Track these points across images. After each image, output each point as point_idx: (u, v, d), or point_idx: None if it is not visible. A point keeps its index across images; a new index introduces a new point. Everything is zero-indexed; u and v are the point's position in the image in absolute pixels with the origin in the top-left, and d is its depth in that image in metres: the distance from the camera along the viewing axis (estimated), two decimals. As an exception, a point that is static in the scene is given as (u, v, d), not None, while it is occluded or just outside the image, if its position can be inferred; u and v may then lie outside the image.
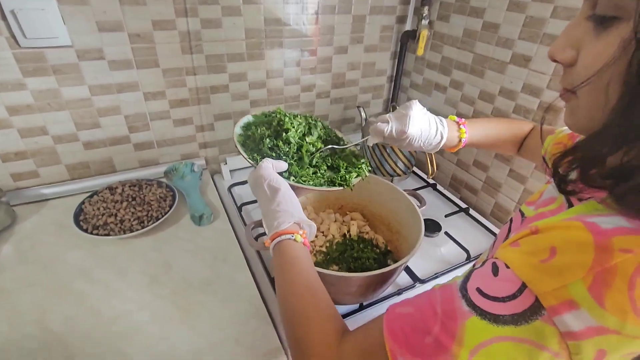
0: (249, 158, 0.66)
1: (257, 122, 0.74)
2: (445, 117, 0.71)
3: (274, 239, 0.55)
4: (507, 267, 0.35)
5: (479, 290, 0.35)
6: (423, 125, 0.66)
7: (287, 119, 0.71)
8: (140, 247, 0.86)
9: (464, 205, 1.12)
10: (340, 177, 0.71)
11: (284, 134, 0.69)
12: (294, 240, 0.54)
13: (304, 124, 0.74)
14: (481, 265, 0.38)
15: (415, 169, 1.29)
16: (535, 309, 0.32)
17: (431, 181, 1.22)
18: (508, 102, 0.98)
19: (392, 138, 0.67)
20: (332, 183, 0.68)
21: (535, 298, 0.32)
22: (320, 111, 1.29)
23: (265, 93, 1.15)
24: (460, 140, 0.69)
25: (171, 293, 0.76)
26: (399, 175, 1.16)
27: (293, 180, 0.65)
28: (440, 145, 0.68)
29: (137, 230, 0.86)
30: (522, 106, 0.94)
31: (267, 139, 0.68)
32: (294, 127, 0.71)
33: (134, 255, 0.84)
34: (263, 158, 0.65)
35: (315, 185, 0.67)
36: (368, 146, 1.12)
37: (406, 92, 1.37)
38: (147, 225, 0.87)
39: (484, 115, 1.06)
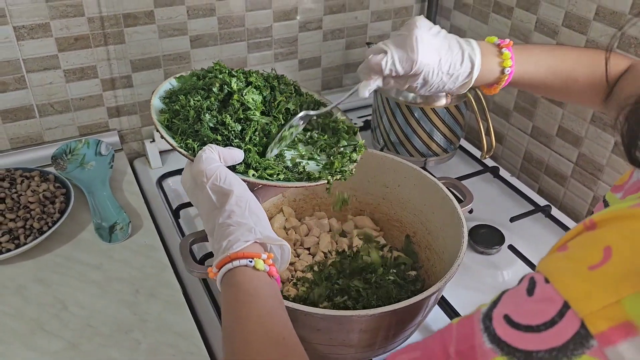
0: (180, 146, 0.67)
1: (187, 89, 0.75)
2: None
3: (221, 266, 0.57)
4: (547, 281, 0.37)
5: (507, 319, 0.38)
6: (440, 47, 0.67)
7: (234, 80, 0.73)
8: (14, 278, 0.88)
9: (543, 202, 1.14)
10: (325, 165, 0.73)
11: (236, 103, 0.70)
12: (254, 267, 0.56)
13: (261, 86, 0.75)
14: (517, 284, 0.40)
15: (465, 143, 1.32)
16: (581, 339, 0.34)
17: (491, 163, 1.24)
18: (609, 29, 1.00)
19: (398, 78, 0.69)
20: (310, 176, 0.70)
21: (580, 323, 0.34)
22: (308, 52, 1.31)
23: (215, 24, 1.17)
24: (502, 72, 0.71)
25: (67, 347, 0.78)
26: (435, 154, 1.18)
27: (254, 175, 0.67)
28: (472, 80, 0.69)
29: (9, 250, 0.88)
30: (631, 36, 0.96)
31: (207, 114, 0.69)
32: (249, 92, 0.72)
33: (3, 290, 0.86)
34: (203, 145, 0.66)
35: (289, 181, 0.69)
36: (391, 115, 1.14)
37: (448, 17, 1.39)
38: (26, 243, 0.90)
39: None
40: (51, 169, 1.06)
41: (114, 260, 0.93)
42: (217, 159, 0.63)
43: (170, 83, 0.78)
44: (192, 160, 0.64)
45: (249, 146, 0.69)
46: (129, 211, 1.02)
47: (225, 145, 0.67)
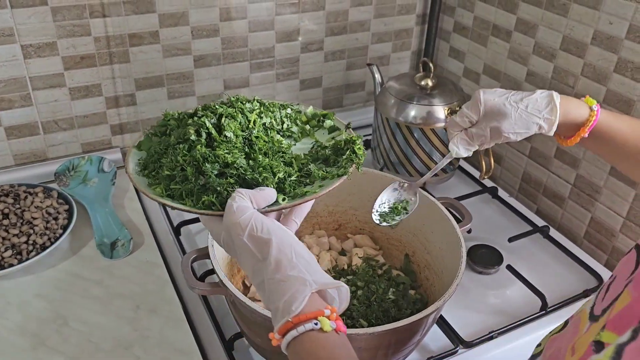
0: (199, 207, 0.61)
1: (158, 151, 0.68)
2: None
3: (285, 333, 0.52)
4: None
5: None
6: (506, 92, 0.75)
7: (206, 120, 0.66)
8: (17, 293, 0.89)
9: (541, 223, 1.15)
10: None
11: (226, 127, 0.66)
12: (321, 329, 0.51)
13: (232, 113, 0.70)
14: (631, 338, 0.36)
15: (464, 163, 1.33)
16: None
17: (490, 184, 1.25)
18: (607, 54, 1.02)
19: (478, 125, 0.77)
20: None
21: None
22: (309, 72, 1.33)
23: (218, 44, 1.19)
24: (591, 109, 0.74)
25: (65, 365, 0.79)
26: (435, 175, 1.19)
27: (284, 199, 0.62)
28: (557, 110, 0.72)
29: (12, 265, 0.89)
30: (628, 61, 0.98)
31: (207, 164, 0.63)
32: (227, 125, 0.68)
33: (5, 305, 0.87)
34: (220, 195, 0.61)
35: (319, 188, 0.64)
36: (391, 136, 1.15)
37: (448, 39, 1.41)
38: (28, 258, 0.91)
39: (570, 76, 1.09)
40: (54, 185, 1.07)
41: (115, 276, 0.94)
42: (250, 205, 0.58)
43: (135, 153, 0.72)
44: (221, 215, 0.59)
45: (265, 174, 0.64)
46: (131, 228, 1.03)
47: (240, 185, 0.62)
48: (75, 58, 1.08)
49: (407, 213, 0.82)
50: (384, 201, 0.84)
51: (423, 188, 1.02)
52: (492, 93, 0.75)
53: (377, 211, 0.83)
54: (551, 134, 0.74)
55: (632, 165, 0.76)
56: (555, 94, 0.73)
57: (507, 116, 0.73)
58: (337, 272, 0.91)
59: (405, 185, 0.85)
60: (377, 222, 0.82)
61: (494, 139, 0.76)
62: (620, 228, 1.07)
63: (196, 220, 1.08)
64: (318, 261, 0.93)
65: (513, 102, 0.73)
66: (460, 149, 0.78)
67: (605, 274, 1.03)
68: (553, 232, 1.13)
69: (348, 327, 0.80)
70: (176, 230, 1.06)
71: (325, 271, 0.91)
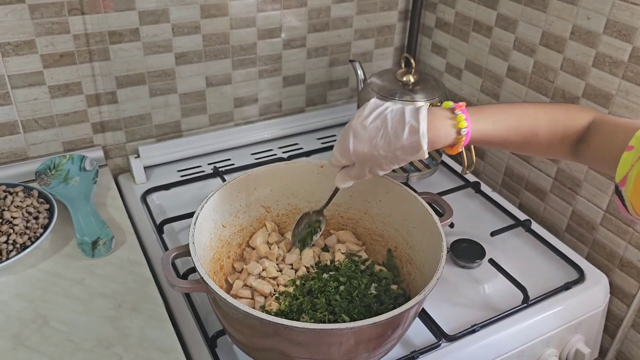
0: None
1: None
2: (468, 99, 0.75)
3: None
4: None
5: None
6: (376, 131, 0.72)
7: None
8: (-3, 294, 0.89)
9: (523, 217, 1.16)
10: None
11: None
12: None
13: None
14: None
15: (446, 158, 1.33)
16: None
17: (472, 178, 1.26)
18: (585, 49, 1.03)
19: (353, 167, 0.77)
20: None
21: None
22: (292, 69, 1.33)
23: (199, 41, 1.18)
24: (459, 133, 0.71)
25: (46, 365, 0.78)
26: (418, 170, 1.19)
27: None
28: (422, 147, 0.70)
29: (-9, 266, 0.89)
30: (606, 56, 0.99)
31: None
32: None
33: (-15, 306, 0.86)
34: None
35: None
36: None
37: (430, 35, 1.42)
38: (8, 258, 0.90)
39: (550, 71, 1.10)
40: (35, 185, 1.06)
41: (96, 275, 0.93)
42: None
43: None
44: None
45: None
46: (113, 226, 1.02)
47: None
48: (55, 56, 1.06)
49: (320, 230, 0.92)
50: (302, 226, 0.93)
51: (405, 184, 1.02)
52: (362, 142, 0.72)
53: (297, 241, 0.93)
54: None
55: (522, 151, 0.79)
56: (418, 125, 0.70)
57: (379, 162, 0.73)
58: (319, 268, 0.91)
59: (312, 211, 0.92)
60: (299, 248, 0.93)
61: (373, 174, 0.77)
62: (601, 221, 1.08)
63: (179, 218, 1.08)
64: (299, 259, 0.93)
65: (382, 152, 0.72)
66: (343, 184, 0.80)
67: (586, 266, 1.04)
68: (535, 226, 1.14)
69: (330, 322, 0.80)
70: (159, 229, 1.06)
71: (308, 267, 0.91)
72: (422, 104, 0.74)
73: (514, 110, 0.76)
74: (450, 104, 0.74)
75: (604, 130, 0.71)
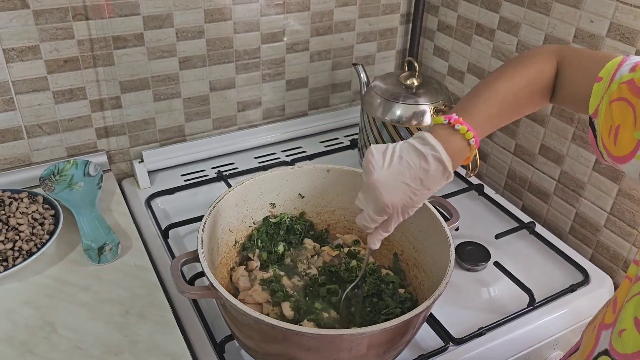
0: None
1: None
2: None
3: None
4: None
5: None
6: (401, 173, 0.67)
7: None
8: (3, 300, 0.88)
9: (527, 219, 1.16)
10: None
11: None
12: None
13: None
14: None
15: (449, 162, 1.33)
16: None
17: (476, 181, 1.26)
18: (589, 52, 1.03)
19: (384, 225, 0.72)
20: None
21: None
22: (295, 72, 1.33)
23: (203, 45, 1.18)
24: (469, 144, 0.70)
25: (54, 372, 0.78)
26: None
27: None
28: (451, 171, 0.69)
29: (-2, 272, 0.88)
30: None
31: None
32: None
33: (-8, 313, 0.86)
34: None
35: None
36: (378, 135, 1.16)
37: (432, 38, 1.42)
38: (14, 265, 0.89)
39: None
40: (39, 190, 1.06)
41: (103, 281, 0.93)
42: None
43: None
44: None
45: None
46: (118, 232, 1.02)
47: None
48: (59, 61, 1.06)
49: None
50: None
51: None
52: (395, 191, 0.68)
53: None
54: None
55: (513, 119, 0.77)
56: (438, 153, 0.67)
57: (414, 203, 0.69)
58: (328, 272, 0.91)
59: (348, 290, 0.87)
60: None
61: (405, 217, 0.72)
62: (605, 223, 1.08)
63: (184, 222, 1.08)
64: (308, 261, 0.93)
65: (417, 192, 0.68)
66: (379, 244, 0.75)
67: (591, 268, 1.04)
68: (539, 228, 1.14)
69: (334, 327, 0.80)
70: (164, 234, 1.06)
71: (316, 272, 0.91)
72: (422, 131, 0.71)
73: (496, 93, 0.73)
74: (443, 119, 0.71)
75: (571, 66, 0.71)
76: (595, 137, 0.63)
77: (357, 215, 0.73)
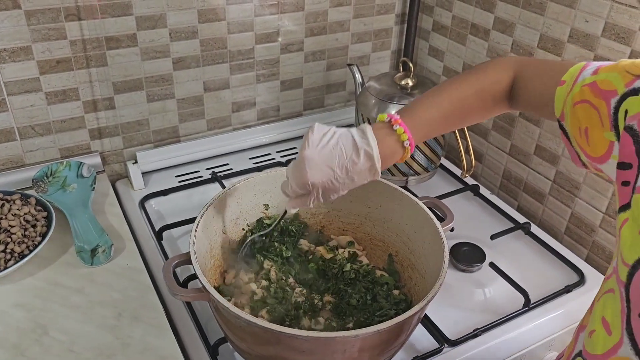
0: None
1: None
2: None
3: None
4: None
5: None
6: (331, 157, 0.71)
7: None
8: (-5, 303, 0.88)
9: (522, 220, 1.16)
10: None
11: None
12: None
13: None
14: None
15: (445, 161, 1.33)
16: None
17: (471, 181, 1.26)
18: (583, 52, 1.02)
19: (303, 198, 0.75)
20: None
21: None
22: (289, 73, 1.33)
23: (197, 46, 1.18)
24: (403, 146, 0.72)
25: (46, 375, 0.77)
26: (416, 173, 1.19)
27: None
28: (377, 170, 0.72)
29: (-11, 275, 0.88)
30: (604, 58, 0.99)
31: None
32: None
33: (-16, 315, 0.85)
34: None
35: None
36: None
37: (427, 38, 1.41)
38: (6, 267, 0.89)
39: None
40: (32, 192, 1.05)
41: (96, 283, 0.92)
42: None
43: None
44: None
45: None
46: (111, 233, 1.02)
47: None
48: (51, 62, 1.05)
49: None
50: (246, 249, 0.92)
51: (404, 187, 1.02)
52: (319, 172, 0.71)
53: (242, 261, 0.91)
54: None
55: (463, 126, 0.80)
56: (371, 150, 0.70)
57: (336, 188, 0.73)
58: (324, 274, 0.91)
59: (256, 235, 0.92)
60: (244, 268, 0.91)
61: (325, 200, 0.75)
62: (600, 223, 1.08)
63: (178, 224, 1.07)
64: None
65: (339, 179, 0.71)
66: (293, 210, 0.78)
67: (586, 269, 1.04)
68: (534, 229, 1.14)
69: (333, 329, 0.79)
70: (158, 235, 1.05)
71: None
72: (367, 124, 0.74)
73: (442, 98, 0.76)
74: (386, 116, 0.74)
75: (533, 72, 0.72)
76: (568, 139, 0.64)
77: (281, 185, 0.77)
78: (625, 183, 0.51)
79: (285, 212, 0.84)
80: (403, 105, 1.09)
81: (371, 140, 0.71)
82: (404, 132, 0.72)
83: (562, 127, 0.64)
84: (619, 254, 0.51)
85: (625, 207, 0.51)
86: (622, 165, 0.52)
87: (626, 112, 0.53)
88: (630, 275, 0.48)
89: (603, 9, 0.97)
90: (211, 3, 1.14)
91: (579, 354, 0.59)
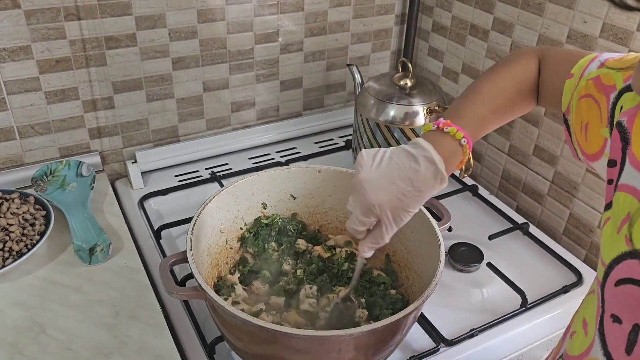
0: None
1: None
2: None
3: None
4: None
5: None
6: (390, 173, 0.66)
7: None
8: (-7, 301, 0.88)
9: (521, 220, 1.15)
10: None
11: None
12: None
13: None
14: None
15: (444, 162, 1.33)
16: None
17: (470, 182, 1.25)
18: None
19: (375, 232, 0.70)
20: None
21: None
22: (289, 73, 1.33)
23: (196, 46, 1.18)
24: (460, 144, 0.68)
25: (43, 373, 0.78)
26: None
27: None
28: (444, 173, 0.66)
29: (-12, 273, 0.88)
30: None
31: None
32: None
33: (-18, 313, 0.86)
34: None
35: None
36: (371, 136, 1.16)
37: (427, 38, 1.41)
38: (5, 265, 0.89)
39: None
40: (31, 191, 1.06)
41: (94, 282, 0.92)
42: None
43: None
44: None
45: None
46: (110, 232, 1.02)
47: None
48: (51, 61, 1.06)
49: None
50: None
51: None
52: (383, 189, 0.66)
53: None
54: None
55: (516, 114, 0.77)
56: (429, 154, 0.66)
57: (405, 205, 0.67)
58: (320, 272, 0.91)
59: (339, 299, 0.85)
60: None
61: (398, 225, 0.70)
62: (598, 224, 1.08)
63: (177, 223, 1.07)
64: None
65: (406, 193, 0.66)
66: (370, 252, 0.73)
67: (584, 269, 1.04)
68: (533, 229, 1.13)
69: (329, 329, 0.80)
70: (156, 234, 1.05)
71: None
72: (415, 138, 0.70)
73: (483, 93, 0.73)
74: (431, 126, 0.70)
75: (549, 66, 0.71)
76: (570, 134, 0.63)
77: (347, 225, 0.71)
78: (610, 181, 0.51)
79: (363, 260, 0.77)
80: (402, 105, 1.11)
81: (425, 145, 0.66)
82: (457, 130, 0.67)
83: (565, 122, 0.63)
84: (600, 255, 0.50)
85: (608, 206, 0.50)
86: (610, 163, 0.51)
87: (621, 108, 0.52)
88: (606, 275, 0.47)
89: (601, 10, 0.97)
90: (210, 3, 1.15)
91: (561, 356, 0.58)
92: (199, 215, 0.83)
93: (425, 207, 0.87)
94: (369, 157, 0.67)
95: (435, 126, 0.69)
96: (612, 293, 0.47)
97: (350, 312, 0.82)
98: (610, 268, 0.47)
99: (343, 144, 1.38)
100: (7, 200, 0.99)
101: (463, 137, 0.68)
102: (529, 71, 0.73)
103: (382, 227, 0.69)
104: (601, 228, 0.51)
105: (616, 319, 0.47)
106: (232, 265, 0.93)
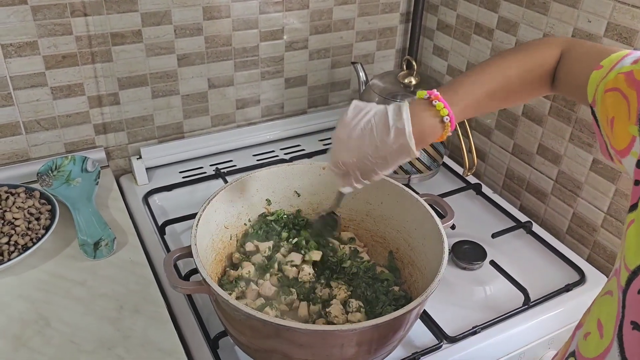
0: None
1: None
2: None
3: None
4: None
5: None
6: (362, 137, 0.69)
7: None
8: (-1, 294, 0.89)
9: (524, 219, 1.16)
10: None
11: None
12: None
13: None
14: None
15: (448, 160, 1.33)
16: None
17: (474, 180, 1.26)
18: (586, 52, 1.02)
19: (346, 177, 0.75)
20: None
21: None
22: (294, 70, 1.33)
23: (202, 43, 1.19)
24: (443, 122, 0.69)
25: (48, 366, 0.78)
26: (419, 171, 1.19)
27: None
28: (413, 150, 0.69)
29: (-6, 266, 0.88)
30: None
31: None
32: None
33: (-12, 306, 0.86)
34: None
35: None
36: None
37: (432, 37, 1.41)
38: (10, 259, 0.90)
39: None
40: (36, 186, 1.06)
41: (98, 276, 0.93)
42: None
43: None
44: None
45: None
46: (115, 227, 1.03)
47: None
48: (57, 57, 1.07)
49: (337, 226, 0.93)
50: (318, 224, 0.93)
51: (407, 185, 1.02)
52: (349, 152, 0.71)
53: (314, 235, 0.96)
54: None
55: (504, 106, 0.79)
56: (402, 126, 0.68)
57: (370, 169, 0.72)
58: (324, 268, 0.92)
59: (325, 212, 0.91)
60: (314, 244, 0.95)
61: (369, 180, 0.74)
62: (602, 223, 1.08)
63: (181, 219, 1.08)
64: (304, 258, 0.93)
65: (371, 158, 0.70)
66: (345, 189, 0.78)
67: (587, 268, 1.04)
68: (536, 228, 1.14)
69: (332, 324, 0.80)
70: (161, 230, 1.06)
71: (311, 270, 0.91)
72: (406, 100, 0.71)
73: (487, 75, 0.72)
74: (425, 94, 0.71)
75: (575, 54, 0.69)
76: (599, 126, 0.61)
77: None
78: (637, 182, 0.49)
79: (340, 193, 0.82)
80: (394, 101, 1.11)
81: (405, 116, 0.68)
82: (443, 107, 0.68)
83: (593, 114, 0.62)
84: (623, 257, 0.49)
85: (633, 207, 0.49)
86: (639, 164, 0.50)
87: None
88: (630, 281, 0.46)
89: (606, 9, 0.97)
90: (216, 0, 1.15)
91: (572, 354, 0.58)
92: (203, 210, 0.84)
93: (429, 204, 0.88)
94: (353, 113, 0.72)
95: (428, 95, 0.70)
96: (635, 300, 0.46)
97: (332, 224, 0.89)
98: (634, 274, 0.46)
99: (347, 141, 1.39)
100: (12, 194, 1.00)
101: (447, 116, 0.69)
102: (542, 60, 0.71)
103: (351, 178, 0.74)
104: (625, 230, 0.50)
105: (636, 327, 0.46)
106: (236, 261, 0.94)
